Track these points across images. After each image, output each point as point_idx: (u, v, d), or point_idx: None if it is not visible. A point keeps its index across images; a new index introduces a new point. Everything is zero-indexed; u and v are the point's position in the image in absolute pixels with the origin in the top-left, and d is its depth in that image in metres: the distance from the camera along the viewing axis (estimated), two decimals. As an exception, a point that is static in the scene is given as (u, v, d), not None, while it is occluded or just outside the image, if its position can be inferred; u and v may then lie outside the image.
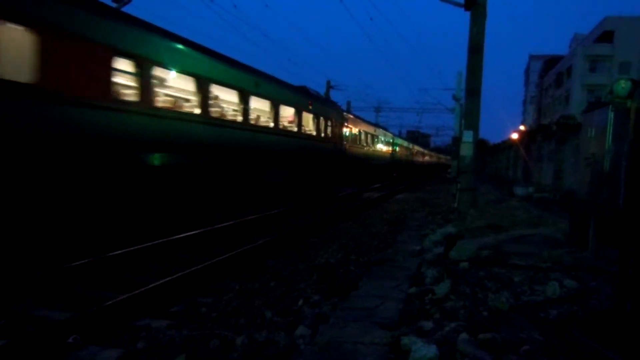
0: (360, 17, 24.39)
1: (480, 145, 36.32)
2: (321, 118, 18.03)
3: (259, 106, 13.51)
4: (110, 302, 4.30)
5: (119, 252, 6.24)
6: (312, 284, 5.53)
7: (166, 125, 8.97)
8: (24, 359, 3.34)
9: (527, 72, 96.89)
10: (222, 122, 11.09)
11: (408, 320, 3.80)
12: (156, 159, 8.76)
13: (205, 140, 10.24)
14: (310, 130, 17.26)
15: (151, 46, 8.54)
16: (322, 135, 18.25)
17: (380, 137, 30.41)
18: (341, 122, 21.02)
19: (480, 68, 12.00)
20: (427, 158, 67.28)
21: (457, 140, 18.94)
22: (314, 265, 6.42)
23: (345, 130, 21.72)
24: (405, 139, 52.05)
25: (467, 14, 11.97)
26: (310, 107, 16.83)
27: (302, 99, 16.23)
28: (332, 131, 19.42)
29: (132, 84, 8.30)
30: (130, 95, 8.24)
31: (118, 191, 7.92)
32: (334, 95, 58.88)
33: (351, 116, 24.25)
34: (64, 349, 3.56)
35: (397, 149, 37.65)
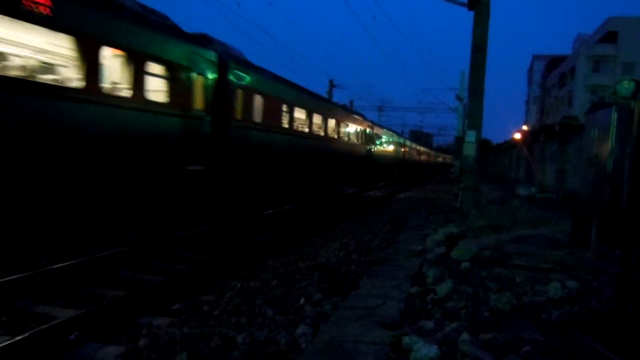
0: (363, 16, 24.37)
1: (483, 145, 36.29)
2: (359, 128, 25.34)
3: (331, 125, 20.73)
4: (111, 300, 4.31)
5: (120, 249, 6.25)
6: (313, 282, 5.54)
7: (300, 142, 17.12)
8: (27, 356, 3.35)
9: (530, 72, 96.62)
10: (315, 137, 18.55)
11: (409, 320, 3.79)
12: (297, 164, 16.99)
13: (309, 149, 17.77)
14: (353, 139, 24.64)
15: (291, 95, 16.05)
16: (359, 141, 25.62)
17: (392, 139, 36.10)
18: (370, 129, 27.53)
19: (483, 68, 11.97)
20: (429, 158, 67.25)
21: (459, 140, 18.98)
22: (315, 264, 6.43)
23: (372, 136, 28.31)
24: (408, 138, 52.15)
25: (471, 13, 11.95)
26: (354, 121, 24.34)
27: (350, 114, 24.46)
28: (365, 138, 26.60)
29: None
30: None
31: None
32: (337, 94, 58.83)
33: (375, 124, 30.62)
34: (66, 345, 3.57)
35: (403, 149, 41.02)
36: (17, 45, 7.29)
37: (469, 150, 12.01)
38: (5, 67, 7.05)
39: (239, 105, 12.38)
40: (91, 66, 7.74)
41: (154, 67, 9.27)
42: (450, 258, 5.92)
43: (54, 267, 5.22)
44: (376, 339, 3.31)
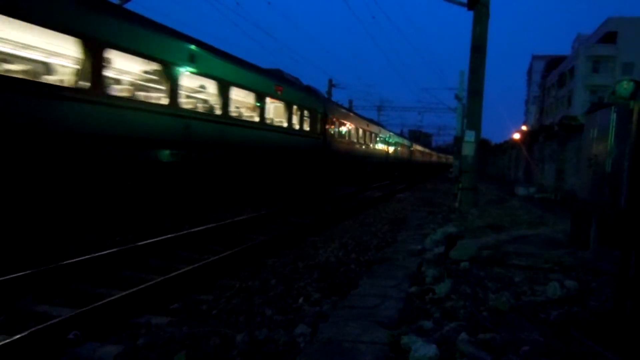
0: (362, 16, 24.41)
1: (482, 145, 36.40)
2: (382, 136, 33.41)
3: (370, 136, 29.41)
4: (110, 299, 4.31)
5: (119, 248, 6.24)
6: (312, 282, 5.54)
7: (360, 148, 26.53)
8: (25, 355, 3.35)
9: (529, 72, 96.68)
10: (363, 144, 27.51)
11: (408, 320, 3.79)
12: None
13: (363, 153, 27.21)
14: (379, 145, 32.44)
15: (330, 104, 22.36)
16: (381, 146, 33.28)
17: (404, 142, 43.31)
18: (387, 136, 35.19)
19: (482, 68, 11.98)
20: (428, 157, 67.34)
21: (459, 140, 19.00)
22: (314, 263, 6.43)
23: (391, 141, 36.32)
24: (407, 138, 52.45)
25: (470, 13, 11.95)
26: (379, 131, 32.43)
27: (379, 126, 33.83)
28: (385, 143, 34.45)
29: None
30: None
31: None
32: (336, 94, 58.88)
33: (391, 132, 38.62)
34: (65, 344, 3.57)
35: (401, 149, 43.42)
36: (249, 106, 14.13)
37: (468, 150, 12.01)
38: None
39: (331, 128, 20.51)
40: (289, 114, 15.97)
41: (304, 112, 17.39)
42: (449, 258, 5.92)
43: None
44: (375, 339, 3.31)
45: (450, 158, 57.63)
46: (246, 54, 14.54)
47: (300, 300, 4.84)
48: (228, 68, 11.74)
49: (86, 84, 7.70)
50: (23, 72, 7.25)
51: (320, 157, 19.25)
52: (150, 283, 4.90)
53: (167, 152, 9.63)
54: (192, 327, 4.01)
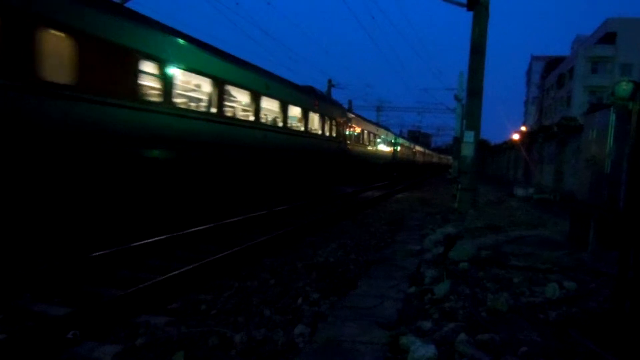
0: (362, 16, 24.41)
1: (481, 145, 36.45)
2: (390, 139, 35.85)
3: (378, 139, 31.28)
4: (109, 298, 4.30)
5: (118, 248, 6.24)
6: (311, 282, 5.54)
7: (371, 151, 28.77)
8: (24, 354, 3.35)
9: (528, 73, 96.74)
10: (371, 146, 29.06)
11: (407, 320, 3.80)
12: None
13: (373, 155, 29.21)
14: (386, 147, 34.38)
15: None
16: (388, 148, 35.38)
17: (403, 142, 44.74)
18: (395, 139, 38.15)
19: (482, 68, 11.98)
20: (427, 158, 67.43)
21: (458, 141, 19.03)
22: (313, 263, 6.43)
23: (398, 142, 39.23)
24: (406, 138, 52.72)
25: (470, 14, 11.96)
26: (386, 134, 34.45)
27: (383, 129, 35.19)
28: (393, 145, 37.24)
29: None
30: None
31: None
32: (335, 94, 58.91)
33: (397, 135, 41.36)
34: (64, 344, 3.56)
35: (401, 149, 44.70)
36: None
37: (467, 150, 12.02)
38: None
39: (348, 133, 23.07)
40: (323, 124, 18.94)
41: (332, 121, 20.12)
42: (448, 258, 5.93)
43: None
44: (374, 339, 3.31)
45: (450, 159, 57.85)
46: (246, 53, 14.60)
47: (299, 300, 4.84)
48: (285, 91, 15.01)
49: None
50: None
51: (340, 159, 22.55)
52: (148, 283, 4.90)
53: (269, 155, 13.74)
54: (190, 326, 4.01)
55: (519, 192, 17.92)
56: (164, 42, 8.96)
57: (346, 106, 35.95)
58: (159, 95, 8.90)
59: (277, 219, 10.84)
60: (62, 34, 6.73)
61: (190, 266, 5.57)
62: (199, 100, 10.72)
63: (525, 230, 8.47)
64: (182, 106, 9.82)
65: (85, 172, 7.29)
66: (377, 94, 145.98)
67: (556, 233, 7.90)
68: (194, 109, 10.27)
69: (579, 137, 12.52)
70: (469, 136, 11.99)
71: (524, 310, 3.98)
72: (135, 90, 8.21)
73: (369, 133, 28.26)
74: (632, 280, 3.39)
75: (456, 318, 3.78)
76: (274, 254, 7.08)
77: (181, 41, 9.59)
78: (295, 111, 15.97)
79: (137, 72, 8.19)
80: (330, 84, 39.00)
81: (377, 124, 34.39)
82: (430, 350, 2.97)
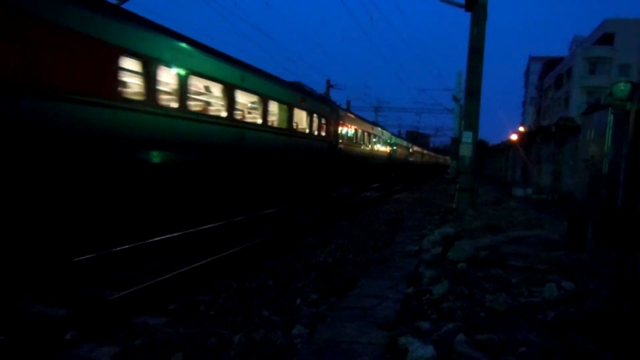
0: (360, 17, 24.41)
1: (480, 146, 36.51)
2: (387, 139, 35.98)
3: (373, 138, 30.48)
4: (107, 300, 4.29)
5: (117, 249, 6.23)
6: (309, 283, 5.53)
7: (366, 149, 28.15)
8: (22, 355, 3.34)
9: (527, 73, 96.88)
10: (365, 145, 28.03)
11: (405, 321, 3.80)
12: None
13: (367, 154, 28.36)
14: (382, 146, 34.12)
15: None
16: (391, 150, 36.77)
17: (401, 142, 45.46)
18: (393, 140, 38.08)
19: (480, 69, 11.99)
20: (425, 158, 67.50)
21: (456, 141, 19.01)
22: (311, 264, 6.42)
23: (395, 143, 39.43)
24: (404, 139, 52.88)
25: (468, 14, 11.96)
26: (381, 133, 33.67)
27: (383, 129, 36.05)
28: (390, 145, 37.21)
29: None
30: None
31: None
32: (334, 94, 58.94)
33: (394, 134, 41.46)
34: (61, 345, 3.56)
35: (403, 150, 46.33)
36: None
37: (465, 151, 12.02)
38: None
39: (341, 132, 22.02)
40: (322, 126, 19.46)
41: (321, 119, 19.13)
42: (447, 259, 5.93)
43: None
44: (372, 340, 3.31)
45: (448, 159, 57.95)
46: (244, 54, 14.55)
47: (298, 301, 4.83)
48: (265, 84, 13.73)
49: None
50: None
51: (331, 159, 22.25)
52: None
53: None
54: (189, 327, 4.00)
55: (518, 192, 17.93)
56: None
57: (344, 106, 36.00)
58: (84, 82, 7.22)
59: (262, 223, 10.83)
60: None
61: (190, 267, 5.58)
62: (162, 92, 9.11)
63: (524, 230, 8.47)
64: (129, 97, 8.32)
65: None
66: (376, 94, 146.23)
67: (554, 233, 7.90)
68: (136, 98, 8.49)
69: (577, 138, 12.53)
70: (467, 136, 11.99)
71: (523, 311, 3.98)
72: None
73: (363, 132, 27.68)
74: (630, 280, 3.39)
75: (455, 318, 3.78)
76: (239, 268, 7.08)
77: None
78: (277, 107, 14.78)
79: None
80: (329, 85, 39.01)
81: (373, 123, 33.96)
82: (429, 350, 2.97)
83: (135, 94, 8.60)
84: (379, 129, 34.13)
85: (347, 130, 23.66)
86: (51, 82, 6.66)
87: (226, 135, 11.46)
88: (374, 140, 30.44)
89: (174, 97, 9.55)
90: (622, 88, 3.95)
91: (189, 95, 9.96)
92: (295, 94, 16.10)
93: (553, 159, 18.46)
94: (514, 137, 30.94)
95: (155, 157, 8.93)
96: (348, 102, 45.73)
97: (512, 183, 25.09)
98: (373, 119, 47.62)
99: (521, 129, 37.66)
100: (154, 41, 8.73)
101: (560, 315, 3.81)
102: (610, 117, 5.54)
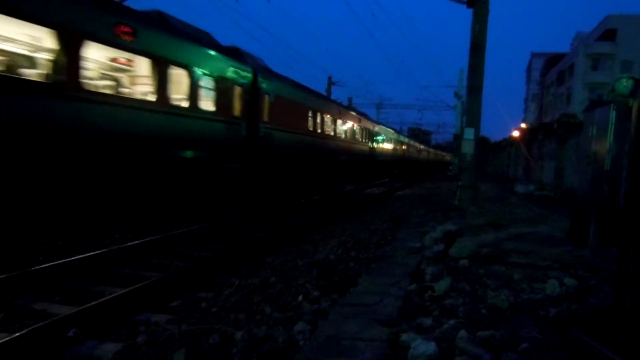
0: (362, 14, 24.38)
1: (482, 142, 36.50)
2: (392, 137, 37.55)
3: (358, 129, 26.28)
4: (110, 297, 4.31)
5: (118, 246, 6.24)
6: (311, 280, 5.53)
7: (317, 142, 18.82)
8: (25, 352, 3.35)
9: (529, 69, 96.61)
10: (326, 137, 20.38)
11: (407, 317, 3.80)
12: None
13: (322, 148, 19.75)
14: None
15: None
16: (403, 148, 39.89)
17: (402, 139, 45.89)
18: (405, 141, 41.22)
19: (482, 65, 11.96)
20: (428, 155, 67.46)
21: (458, 138, 19.01)
22: (313, 261, 6.43)
23: (397, 139, 40.09)
24: (406, 135, 52.94)
25: (470, 11, 11.93)
26: (385, 132, 34.77)
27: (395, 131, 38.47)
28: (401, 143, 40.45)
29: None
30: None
31: None
32: (335, 92, 58.91)
33: (398, 132, 43.71)
34: (64, 342, 3.57)
35: (405, 147, 47.18)
36: None
37: (467, 147, 12.01)
38: None
39: (266, 109, 14.20)
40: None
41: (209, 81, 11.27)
42: (449, 255, 5.93)
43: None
44: (374, 336, 3.32)
45: (450, 156, 57.95)
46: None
47: (300, 298, 4.84)
48: (165, 44, 9.81)
49: None
50: None
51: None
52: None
53: None
54: (191, 324, 4.01)
55: (520, 188, 17.90)
56: None
57: (346, 103, 35.93)
58: None
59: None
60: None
61: (193, 264, 5.59)
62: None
63: (526, 227, 8.46)
64: None
65: None
66: (377, 91, 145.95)
67: (557, 230, 7.89)
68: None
69: (579, 134, 12.50)
70: (469, 133, 11.97)
71: (525, 307, 3.98)
72: None
73: (362, 128, 26.22)
74: (632, 277, 3.39)
75: (456, 315, 3.78)
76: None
77: None
78: (190, 80, 10.35)
79: None
80: (331, 82, 38.98)
81: (365, 116, 31.58)
82: (431, 347, 2.97)
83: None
84: (378, 125, 34.10)
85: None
86: None
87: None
88: (373, 136, 30.33)
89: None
90: (625, 84, 3.94)
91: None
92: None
93: (555, 156, 18.43)
94: (515, 133, 30.89)
95: None
96: (349, 99, 45.64)
97: (514, 180, 25.06)
98: (375, 116, 47.59)
99: (523, 125, 37.58)
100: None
101: (562, 312, 3.80)
102: (613, 114, 5.52)
